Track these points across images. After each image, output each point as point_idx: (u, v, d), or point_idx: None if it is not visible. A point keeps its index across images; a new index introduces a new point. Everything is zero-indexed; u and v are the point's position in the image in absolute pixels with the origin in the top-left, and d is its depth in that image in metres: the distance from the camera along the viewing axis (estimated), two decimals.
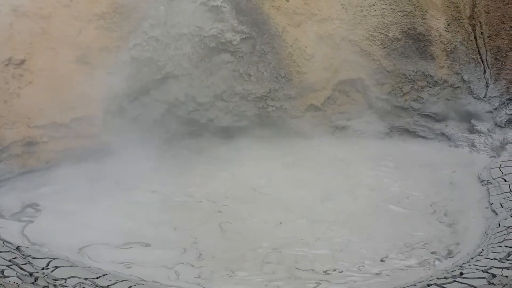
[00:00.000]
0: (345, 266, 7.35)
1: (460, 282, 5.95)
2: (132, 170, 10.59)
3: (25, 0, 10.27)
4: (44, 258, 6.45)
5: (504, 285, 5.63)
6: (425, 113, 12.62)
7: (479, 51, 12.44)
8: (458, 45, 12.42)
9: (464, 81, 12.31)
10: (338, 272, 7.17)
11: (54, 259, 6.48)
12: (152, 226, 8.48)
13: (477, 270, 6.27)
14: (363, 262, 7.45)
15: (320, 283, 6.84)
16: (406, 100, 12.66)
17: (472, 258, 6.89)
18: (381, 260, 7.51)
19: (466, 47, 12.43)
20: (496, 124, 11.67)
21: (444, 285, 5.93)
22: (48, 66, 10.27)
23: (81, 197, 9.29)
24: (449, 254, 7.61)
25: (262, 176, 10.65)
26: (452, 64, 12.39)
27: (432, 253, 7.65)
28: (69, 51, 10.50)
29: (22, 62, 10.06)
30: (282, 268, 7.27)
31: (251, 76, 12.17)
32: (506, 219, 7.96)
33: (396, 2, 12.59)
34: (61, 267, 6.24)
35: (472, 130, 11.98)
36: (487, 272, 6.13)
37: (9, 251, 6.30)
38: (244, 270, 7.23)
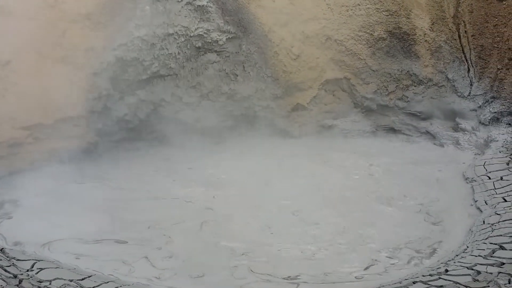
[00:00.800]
0: (331, 266, 7.36)
1: (445, 279, 5.99)
2: (117, 170, 10.58)
3: (10, 0, 10.19)
4: (28, 260, 6.40)
5: (489, 282, 5.68)
6: (410, 111, 12.69)
7: (463, 50, 12.54)
8: (442, 44, 12.51)
9: (448, 79, 12.40)
10: (325, 275, 7.15)
11: (38, 261, 6.43)
12: (129, 224, 8.44)
13: (462, 267, 6.32)
14: (349, 261, 7.47)
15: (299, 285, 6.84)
16: (391, 99, 12.74)
17: (457, 255, 6.94)
18: (367, 259, 7.52)
19: (450, 46, 12.53)
20: (480, 122, 11.76)
21: (429, 282, 5.97)
22: (33, 66, 10.19)
23: (62, 195, 9.33)
24: (434, 251, 7.65)
25: (249, 176, 10.62)
26: (436, 63, 12.48)
27: (417, 250, 7.67)
28: (54, 52, 10.44)
29: (7, 63, 9.97)
30: (258, 273, 7.11)
31: (237, 76, 12.18)
32: (490, 216, 8.03)
33: (381, 1, 12.65)
34: (45, 268, 6.20)
35: (456, 128, 12.06)
36: (472, 269, 6.17)
37: None
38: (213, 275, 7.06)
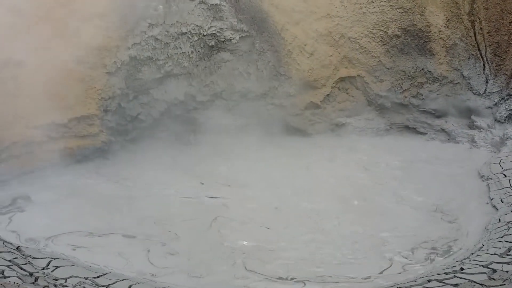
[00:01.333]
0: (348, 261, 7.34)
1: (461, 278, 5.94)
2: (131, 168, 10.63)
3: (23, 0, 10.27)
4: (44, 258, 6.43)
5: (505, 280, 5.62)
6: (424, 109, 12.60)
7: (478, 47, 12.42)
8: (457, 41, 12.40)
9: (463, 77, 12.30)
10: (337, 269, 7.12)
11: (54, 258, 6.47)
12: (137, 220, 8.52)
13: (478, 266, 6.26)
14: (365, 257, 7.45)
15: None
16: (405, 97, 12.64)
17: (472, 254, 6.89)
18: (383, 257, 7.48)
19: (466, 43, 12.41)
20: (496, 120, 11.66)
21: (444, 281, 5.92)
22: (46, 66, 10.25)
23: (74, 191, 9.46)
24: (450, 249, 7.60)
25: (262, 175, 10.61)
26: (451, 60, 12.38)
27: (433, 248, 7.63)
28: (67, 51, 10.49)
29: (20, 63, 10.03)
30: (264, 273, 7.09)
31: (250, 74, 12.17)
32: (506, 214, 7.96)
33: None
34: (61, 266, 6.23)
35: (472, 126, 11.96)
36: (488, 267, 6.12)
37: (9, 252, 6.28)
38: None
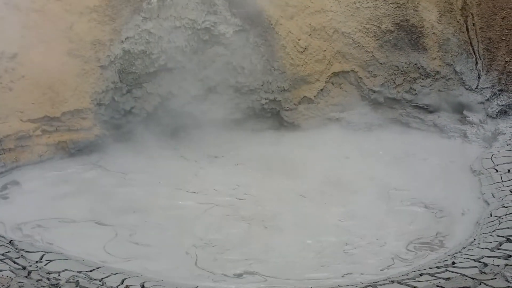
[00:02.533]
0: (338, 257, 7.39)
1: (452, 272, 6.00)
2: (123, 161, 10.66)
3: None
4: (37, 251, 6.46)
5: (496, 274, 5.68)
6: (417, 104, 12.63)
7: (471, 42, 12.47)
8: (450, 37, 12.44)
9: (456, 72, 12.34)
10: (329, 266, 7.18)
11: (47, 252, 6.49)
12: (118, 209, 8.66)
13: (469, 260, 6.32)
14: (353, 250, 7.50)
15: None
16: (398, 92, 12.68)
17: (464, 248, 6.95)
18: (374, 251, 7.54)
19: (458, 39, 12.46)
20: (488, 115, 11.72)
21: (436, 275, 5.97)
22: (40, 59, 10.25)
23: (64, 181, 9.63)
24: (441, 244, 7.67)
25: (256, 170, 10.65)
26: (444, 55, 12.42)
27: (424, 243, 7.69)
28: (61, 45, 10.50)
29: (14, 55, 10.05)
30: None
31: (244, 68, 12.17)
32: (497, 208, 8.02)
33: None
34: (54, 260, 6.26)
35: (464, 121, 12.01)
36: (479, 261, 6.18)
37: (2, 245, 6.31)
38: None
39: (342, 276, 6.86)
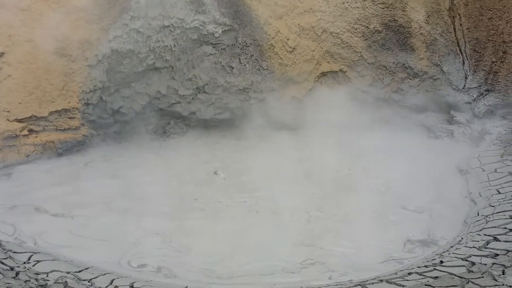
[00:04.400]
0: (328, 258, 7.39)
1: (440, 270, 6.02)
2: (110, 160, 10.62)
3: None
4: (25, 252, 6.38)
5: (483, 273, 5.71)
6: (405, 104, 12.71)
7: (458, 42, 12.56)
8: (437, 37, 12.52)
9: (443, 72, 12.43)
10: (321, 264, 7.18)
11: (35, 253, 6.42)
12: (108, 211, 8.69)
13: (457, 259, 6.35)
14: (343, 252, 7.50)
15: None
16: (386, 92, 12.75)
17: (451, 247, 6.97)
18: (361, 250, 7.55)
19: (446, 39, 12.54)
20: (474, 115, 11.82)
21: (424, 274, 5.99)
22: (26, 59, 10.19)
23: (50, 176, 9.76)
24: (429, 243, 7.70)
25: (245, 169, 10.64)
26: (431, 55, 12.50)
27: (412, 242, 7.72)
28: (48, 44, 10.42)
29: (1, 55, 9.99)
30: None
31: (233, 68, 12.17)
32: (484, 208, 8.07)
33: None
34: (42, 261, 6.19)
35: (451, 121, 12.10)
36: (467, 260, 6.21)
37: None
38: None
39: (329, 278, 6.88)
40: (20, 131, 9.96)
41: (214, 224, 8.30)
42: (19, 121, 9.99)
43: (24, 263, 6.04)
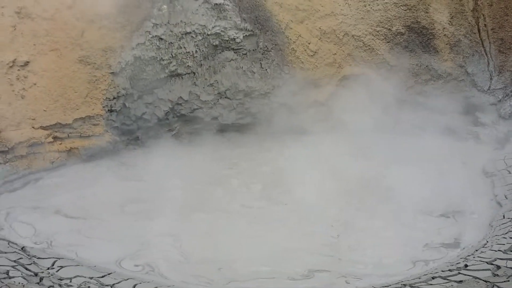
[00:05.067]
0: (351, 260, 7.35)
1: (465, 274, 5.94)
2: (135, 167, 10.72)
3: (28, 2, 10.37)
4: (49, 258, 6.50)
5: (509, 277, 5.62)
6: (429, 106, 12.54)
7: (482, 43, 12.39)
8: (461, 38, 12.37)
9: (468, 73, 12.26)
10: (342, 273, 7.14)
11: (59, 258, 6.53)
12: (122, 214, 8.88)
13: (482, 262, 6.26)
14: (366, 254, 7.46)
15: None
16: (410, 94, 12.61)
17: (476, 250, 6.88)
18: (385, 255, 7.48)
19: (470, 40, 12.38)
20: (500, 116, 11.64)
21: (448, 278, 5.92)
22: (51, 67, 10.36)
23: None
24: (454, 246, 7.60)
25: (270, 173, 10.66)
26: (455, 57, 12.35)
27: (438, 244, 7.63)
28: (72, 52, 10.59)
29: (26, 63, 10.15)
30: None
31: (254, 73, 12.18)
32: (510, 210, 7.96)
33: None
34: (66, 266, 6.30)
35: (476, 123, 11.93)
36: (492, 264, 6.12)
37: (14, 252, 6.35)
38: None
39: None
40: (45, 138, 10.12)
41: (237, 228, 8.35)
42: (44, 128, 10.16)
43: (48, 268, 6.15)
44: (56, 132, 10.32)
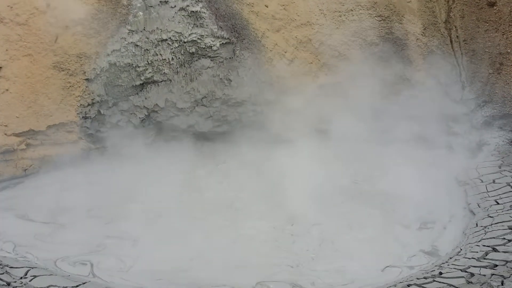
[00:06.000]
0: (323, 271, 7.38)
1: (440, 282, 6.02)
2: (107, 173, 10.60)
3: (2, 7, 10.21)
4: (22, 267, 6.38)
5: (482, 284, 5.71)
6: (403, 116, 12.67)
7: (455, 54, 12.62)
8: (434, 49, 12.58)
9: (440, 84, 12.45)
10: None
11: (32, 268, 6.41)
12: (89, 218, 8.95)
13: (456, 270, 6.35)
14: (343, 265, 7.49)
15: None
16: (384, 103, 12.74)
17: (450, 258, 6.98)
18: (361, 263, 7.54)
19: (442, 51, 12.60)
20: (472, 126, 11.84)
21: (423, 285, 5.99)
22: (24, 73, 10.21)
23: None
24: (428, 254, 7.68)
25: (245, 180, 10.64)
26: (429, 67, 12.54)
27: (412, 253, 7.70)
28: (45, 58, 10.46)
29: None
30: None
31: (231, 81, 12.18)
32: (483, 218, 8.08)
33: (373, 7, 12.73)
34: (39, 276, 6.18)
35: (449, 132, 12.11)
36: (466, 271, 6.21)
37: None
38: None
39: None
40: (18, 145, 9.96)
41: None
42: (17, 135, 9.99)
43: (21, 278, 6.03)
44: (29, 139, 10.16)
